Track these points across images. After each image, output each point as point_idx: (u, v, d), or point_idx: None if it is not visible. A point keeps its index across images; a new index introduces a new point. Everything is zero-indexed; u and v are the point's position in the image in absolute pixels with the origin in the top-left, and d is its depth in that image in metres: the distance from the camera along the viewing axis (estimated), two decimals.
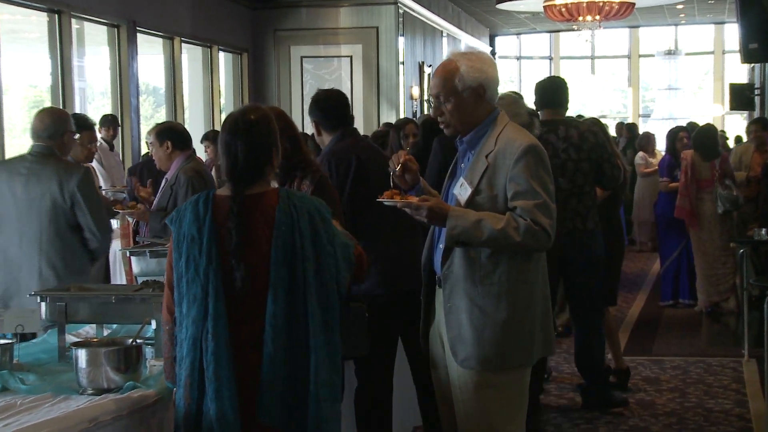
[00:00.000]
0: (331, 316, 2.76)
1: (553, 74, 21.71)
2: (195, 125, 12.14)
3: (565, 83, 5.80)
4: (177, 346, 2.79)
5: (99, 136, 7.27)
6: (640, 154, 12.81)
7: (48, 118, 4.71)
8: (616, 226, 6.56)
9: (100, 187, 6.12)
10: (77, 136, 5.53)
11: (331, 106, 4.27)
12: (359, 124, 12.85)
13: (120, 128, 9.75)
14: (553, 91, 5.72)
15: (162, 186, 5.71)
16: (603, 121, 7.48)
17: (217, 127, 12.18)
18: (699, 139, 8.82)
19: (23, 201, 4.59)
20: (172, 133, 5.78)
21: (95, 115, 9.03)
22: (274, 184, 3.20)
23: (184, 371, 2.75)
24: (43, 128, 4.68)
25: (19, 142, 11.74)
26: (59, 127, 4.68)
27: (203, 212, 2.77)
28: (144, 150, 9.83)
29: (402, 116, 14.03)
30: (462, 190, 3.30)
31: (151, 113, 13.39)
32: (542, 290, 3.35)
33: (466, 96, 3.29)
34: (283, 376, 2.69)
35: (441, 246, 3.31)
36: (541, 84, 5.81)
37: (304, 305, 2.71)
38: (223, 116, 13.09)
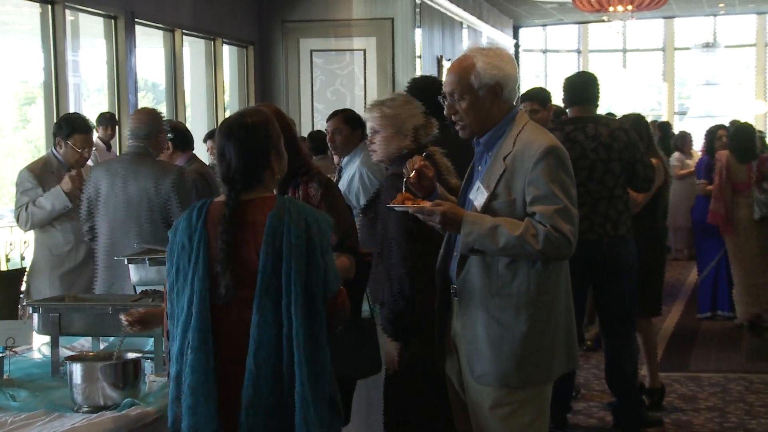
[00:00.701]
0: (319, 331, 2.77)
1: (581, 69, 21.73)
2: (197, 124, 12.18)
3: (595, 78, 5.81)
4: (169, 360, 2.84)
5: (96, 135, 7.32)
6: (676, 155, 12.76)
7: (144, 117, 5.17)
8: (658, 233, 6.55)
9: None
10: (71, 139, 5.61)
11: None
12: None
13: (117, 127, 9.80)
14: (582, 86, 5.73)
15: None
16: None
17: None
18: (735, 139, 8.80)
19: (122, 201, 5.06)
20: (173, 133, 5.82)
21: (91, 113, 9.08)
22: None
23: (171, 384, 2.81)
24: (139, 128, 5.12)
25: (10, 141, 11.84)
26: (154, 127, 5.07)
27: (196, 220, 2.83)
28: None
29: None
30: (478, 195, 3.32)
31: None
32: (565, 301, 3.36)
33: (482, 94, 3.32)
34: (266, 392, 2.70)
35: (456, 254, 3.33)
36: (570, 79, 5.83)
37: (290, 318, 2.72)
38: (227, 114, 13.20)
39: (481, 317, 3.27)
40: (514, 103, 3.42)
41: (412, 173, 3.36)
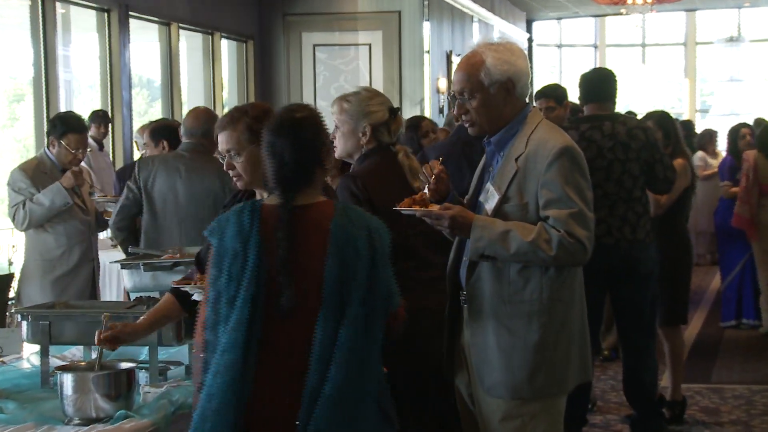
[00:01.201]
0: (375, 351, 2.77)
1: (598, 64, 21.70)
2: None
3: (612, 75, 5.81)
4: (206, 372, 2.75)
5: (88, 134, 7.32)
6: (699, 154, 12.70)
7: (202, 116, 5.40)
8: (683, 237, 6.54)
9: (92, 193, 6.16)
10: (65, 138, 5.63)
11: None
12: None
13: (111, 125, 9.82)
14: (598, 83, 5.73)
15: None
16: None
17: None
18: (763, 137, 8.78)
19: (184, 197, 5.26)
20: (169, 132, 5.84)
21: (82, 111, 9.08)
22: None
23: (215, 402, 2.69)
24: (197, 126, 5.33)
25: None
26: (211, 126, 5.08)
27: (249, 223, 2.78)
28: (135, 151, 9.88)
29: (428, 113, 14.05)
30: (489, 197, 3.33)
31: (145, 108, 13.46)
32: (579, 309, 3.37)
33: (493, 92, 3.33)
34: (325, 416, 2.67)
35: (466, 259, 3.34)
36: (587, 76, 5.83)
37: (353, 334, 2.71)
38: (226, 111, 13.20)
39: (492, 325, 3.28)
40: (527, 100, 3.43)
41: (432, 179, 3.37)
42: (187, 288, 3.30)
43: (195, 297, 3.25)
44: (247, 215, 2.79)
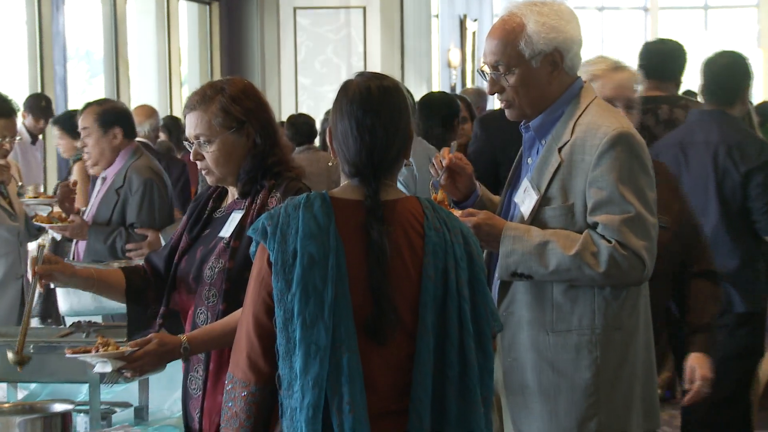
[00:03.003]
0: (489, 383, 2.78)
1: (650, 31, 21.75)
2: (145, 102, 12.18)
3: (681, 49, 5.74)
4: (283, 416, 2.71)
5: (20, 122, 7.29)
6: None
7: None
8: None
9: (21, 194, 6.12)
10: None
11: None
12: None
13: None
14: (659, 56, 5.69)
15: (98, 189, 5.74)
16: None
17: (177, 106, 12.23)
18: None
19: None
20: (121, 117, 5.82)
21: (9, 92, 9.04)
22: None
23: None
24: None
25: None
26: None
27: (325, 221, 2.73)
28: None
29: (436, 90, 14.07)
30: (525, 197, 3.32)
31: (83, 87, 13.46)
32: (644, 338, 3.36)
33: (536, 65, 3.31)
34: None
35: (496, 277, 3.32)
36: (649, 46, 5.82)
37: (462, 363, 2.71)
38: (185, 90, 13.21)
39: (531, 360, 3.27)
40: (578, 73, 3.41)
41: (443, 175, 3.35)
42: (86, 358, 3.24)
43: (97, 369, 3.22)
44: (321, 210, 2.73)
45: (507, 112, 3.39)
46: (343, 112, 2.80)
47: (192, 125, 3.36)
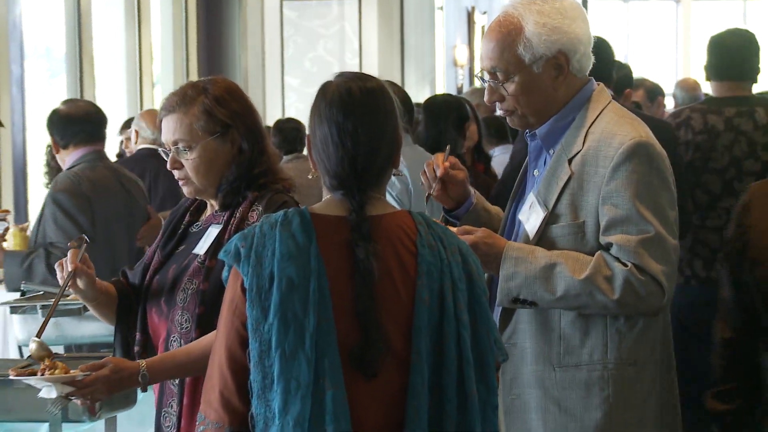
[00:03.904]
0: (493, 419, 2.77)
1: (681, 22, 21.74)
2: (112, 105, 12.17)
3: (754, 40, 5.68)
4: None
5: None
6: None
7: None
8: None
9: None
10: None
11: None
12: None
13: None
14: (741, 51, 5.64)
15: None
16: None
17: (148, 107, 12.21)
18: None
19: None
20: (54, 123, 5.90)
21: None
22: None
23: None
24: None
25: None
26: None
27: (305, 240, 2.71)
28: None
29: (441, 91, 14.08)
30: (531, 214, 3.32)
31: (43, 87, 13.44)
32: (664, 375, 3.35)
33: (538, 71, 3.31)
34: None
35: (497, 304, 3.32)
36: (721, 40, 5.69)
37: (461, 396, 2.70)
38: (158, 91, 13.22)
39: (535, 398, 3.28)
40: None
41: (435, 185, 3.35)
42: (30, 381, 3.24)
43: (42, 394, 3.21)
44: (300, 229, 2.72)
45: (509, 120, 3.39)
46: (322, 117, 2.79)
47: (170, 130, 3.37)
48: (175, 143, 3.35)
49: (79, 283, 3.36)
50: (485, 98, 3.40)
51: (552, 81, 3.32)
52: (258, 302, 2.68)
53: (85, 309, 4.19)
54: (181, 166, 3.36)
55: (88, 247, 3.41)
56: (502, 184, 5.20)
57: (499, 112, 3.46)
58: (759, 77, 5.66)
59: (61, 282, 3.37)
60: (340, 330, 2.66)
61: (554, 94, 3.33)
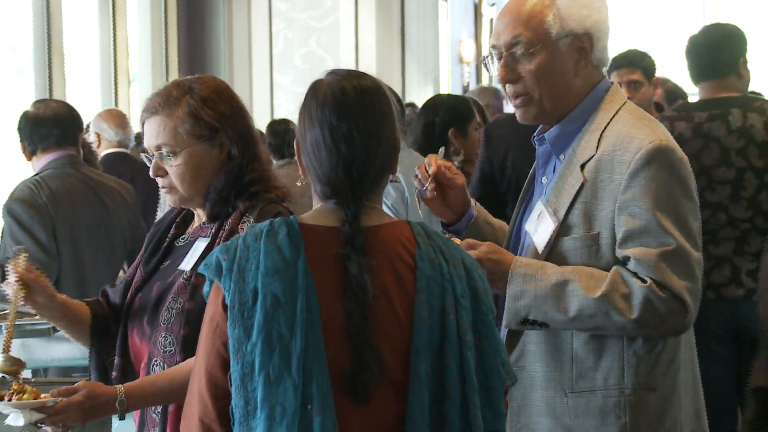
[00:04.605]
0: None
1: (709, 15, 21.79)
2: (85, 105, 12.19)
3: (738, 33, 5.74)
4: None
5: None
6: None
7: None
8: None
9: None
10: None
11: None
12: None
13: None
14: (717, 47, 5.68)
15: None
16: None
17: (123, 109, 12.23)
18: None
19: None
20: (22, 126, 5.92)
21: None
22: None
23: None
24: None
25: None
26: None
27: (292, 253, 2.71)
28: None
29: (445, 90, 14.12)
30: (540, 225, 3.33)
31: (8, 86, 13.46)
32: (688, 400, 3.36)
33: (563, 48, 3.32)
34: None
35: (504, 325, 3.32)
36: (696, 39, 5.77)
37: (465, 424, 2.70)
38: (134, 90, 13.23)
39: (546, 427, 3.29)
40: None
41: (429, 183, 3.35)
42: None
43: (9, 421, 3.20)
44: (286, 240, 2.72)
45: (520, 112, 3.39)
46: (313, 118, 2.79)
47: (153, 134, 3.37)
48: (159, 148, 3.36)
49: (35, 296, 3.35)
50: (498, 76, 3.39)
51: (574, 65, 3.33)
52: (240, 321, 2.68)
53: (55, 329, 4.20)
54: (165, 174, 3.36)
55: (32, 256, 3.41)
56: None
57: (507, 108, 3.45)
58: (745, 68, 5.69)
59: (11, 298, 3.36)
60: (330, 352, 2.66)
61: (573, 81, 3.33)
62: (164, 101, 3.37)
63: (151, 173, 3.38)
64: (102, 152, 8.05)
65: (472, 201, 3.53)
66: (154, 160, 3.36)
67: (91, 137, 8.26)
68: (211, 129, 3.36)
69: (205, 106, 3.33)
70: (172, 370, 3.23)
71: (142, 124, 3.42)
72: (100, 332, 3.50)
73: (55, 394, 3.12)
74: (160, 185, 3.41)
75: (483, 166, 5.52)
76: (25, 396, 3.11)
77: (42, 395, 3.13)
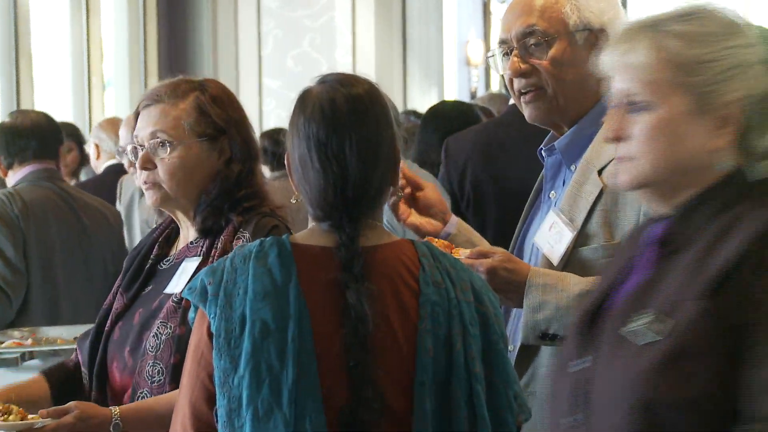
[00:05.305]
0: None
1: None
2: (56, 111, 12.17)
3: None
4: None
5: None
6: None
7: None
8: None
9: None
10: None
11: None
12: None
13: None
14: None
15: None
16: None
17: (97, 115, 12.24)
18: None
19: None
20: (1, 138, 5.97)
21: None
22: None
23: None
24: None
25: None
26: None
27: (284, 277, 2.70)
28: None
29: (451, 96, 14.13)
30: (552, 236, 3.34)
31: None
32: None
33: (580, 42, 3.35)
34: None
35: (514, 345, 3.35)
36: None
37: None
38: (109, 95, 13.21)
39: None
40: None
41: (403, 184, 3.39)
42: None
43: None
44: (277, 262, 2.71)
45: (529, 108, 3.41)
46: (301, 134, 2.77)
47: (150, 120, 3.38)
48: (154, 135, 3.35)
49: None
50: (510, 69, 3.39)
51: (590, 62, 3.33)
52: (227, 350, 2.68)
53: (23, 359, 4.21)
54: (153, 167, 3.36)
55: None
56: None
57: (512, 100, 3.47)
58: None
59: None
60: (326, 386, 2.66)
61: (588, 80, 3.31)
62: (171, 91, 3.39)
63: (138, 164, 3.37)
64: (102, 164, 8.08)
65: (454, 217, 3.54)
66: (144, 150, 3.35)
67: (90, 149, 8.30)
68: (216, 129, 3.39)
69: (214, 104, 3.36)
70: (172, 395, 3.19)
71: (137, 114, 3.42)
72: (67, 397, 3.40)
73: (45, 414, 3.12)
74: (142, 179, 3.39)
75: (442, 183, 5.54)
76: (11, 417, 3.11)
77: (29, 416, 3.13)
